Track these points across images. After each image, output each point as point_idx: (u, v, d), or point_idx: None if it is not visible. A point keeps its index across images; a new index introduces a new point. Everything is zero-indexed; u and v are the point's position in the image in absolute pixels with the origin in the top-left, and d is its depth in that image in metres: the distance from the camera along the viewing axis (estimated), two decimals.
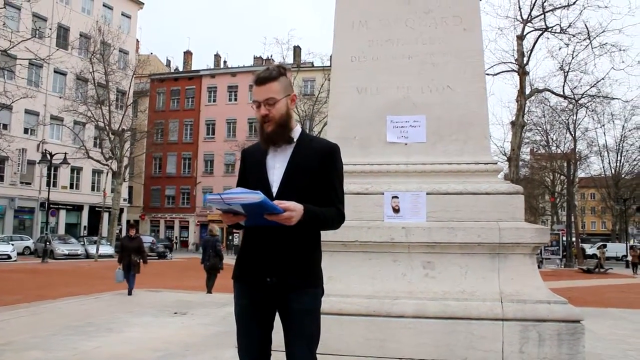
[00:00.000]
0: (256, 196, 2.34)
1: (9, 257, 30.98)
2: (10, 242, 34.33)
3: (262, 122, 2.69)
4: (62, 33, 44.32)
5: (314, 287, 2.71)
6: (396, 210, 5.38)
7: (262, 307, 2.67)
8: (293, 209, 2.45)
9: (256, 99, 2.69)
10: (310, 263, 2.70)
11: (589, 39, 28.55)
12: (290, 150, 2.71)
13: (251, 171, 2.79)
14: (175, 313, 8.91)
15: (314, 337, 2.69)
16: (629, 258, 35.82)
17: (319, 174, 2.66)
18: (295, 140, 2.73)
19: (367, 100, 5.89)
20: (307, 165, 2.67)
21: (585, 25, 29.56)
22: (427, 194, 5.38)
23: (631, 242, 50.87)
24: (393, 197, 5.40)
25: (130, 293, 12.34)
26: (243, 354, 2.72)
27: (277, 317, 2.72)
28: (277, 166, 2.70)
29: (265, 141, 2.73)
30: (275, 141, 2.70)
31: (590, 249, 49.55)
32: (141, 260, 13.00)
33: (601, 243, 53.12)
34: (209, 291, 13.47)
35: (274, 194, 2.63)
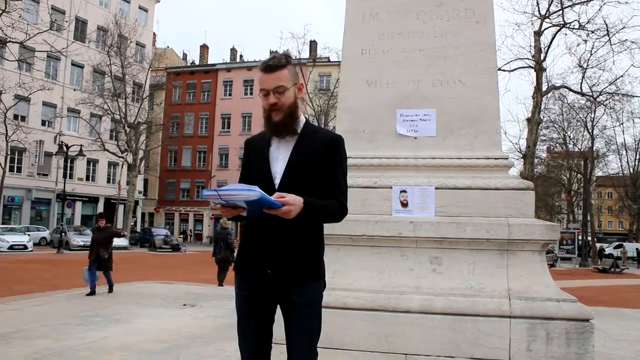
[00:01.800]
0: (253, 193, 2.32)
1: (25, 247, 31.40)
2: (27, 233, 34.78)
3: (270, 111, 2.65)
4: (80, 26, 44.71)
5: (316, 280, 2.68)
6: (404, 204, 5.33)
7: (262, 299, 2.64)
8: (292, 203, 2.41)
9: (265, 87, 2.63)
10: (312, 256, 2.67)
11: (608, 35, 28.13)
12: (293, 141, 2.67)
13: (254, 162, 2.76)
14: (184, 305, 8.95)
15: (315, 330, 2.67)
16: None
17: (322, 166, 2.62)
18: (299, 131, 2.69)
19: (377, 93, 5.83)
20: (310, 156, 2.63)
21: (605, 22, 29.03)
22: (436, 188, 5.32)
23: None
24: (401, 192, 5.35)
25: (110, 290, 10.83)
26: (242, 345, 2.70)
27: (279, 310, 2.70)
28: (280, 157, 2.66)
29: (272, 130, 2.69)
30: (281, 131, 2.66)
31: (607, 249, 48.86)
32: (109, 255, 11.17)
33: (617, 243, 52.49)
34: (220, 284, 13.52)
35: (277, 186, 2.60)
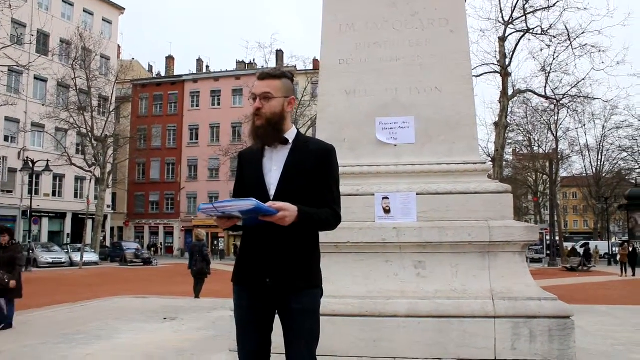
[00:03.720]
0: (249, 203, 2.38)
1: None
2: None
3: (254, 116, 2.72)
4: (43, 39, 43.85)
5: (313, 288, 2.74)
6: (387, 211, 5.42)
7: (261, 308, 2.68)
8: (286, 209, 2.47)
9: (254, 92, 2.72)
10: (308, 263, 2.73)
11: (570, 40, 29.00)
12: (286, 151, 2.73)
13: (248, 174, 2.80)
14: (165, 319, 8.86)
15: (314, 337, 2.71)
16: (618, 257, 32.34)
17: (315, 176, 2.68)
18: (291, 141, 2.75)
19: (355, 102, 5.93)
20: (303, 167, 2.68)
21: (566, 27, 29.83)
22: (418, 194, 5.43)
23: (613, 240, 51.47)
24: (384, 198, 5.44)
25: (4, 325, 8.39)
26: (242, 355, 2.73)
27: (277, 319, 2.74)
28: (273, 168, 2.72)
29: (251, 135, 2.76)
30: (260, 137, 2.72)
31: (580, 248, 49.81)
32: (12, 280, 8.61)
33: (584, 241, 53.70)
34: (197, 296, 13.41)
35: (271, 197, 2.65)
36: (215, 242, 54.25)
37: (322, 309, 4.86)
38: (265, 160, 2.75)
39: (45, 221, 45.84)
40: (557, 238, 42.21)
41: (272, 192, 2.67)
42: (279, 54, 55.48)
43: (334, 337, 4.96)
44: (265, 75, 2.72)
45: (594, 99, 34.66)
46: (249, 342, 2.71)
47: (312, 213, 2.60)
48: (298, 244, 2.66)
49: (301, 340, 2.67)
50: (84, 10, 49.97)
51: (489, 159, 34.65)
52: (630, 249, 30.03)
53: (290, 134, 2.76)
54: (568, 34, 28.79)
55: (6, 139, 42.75)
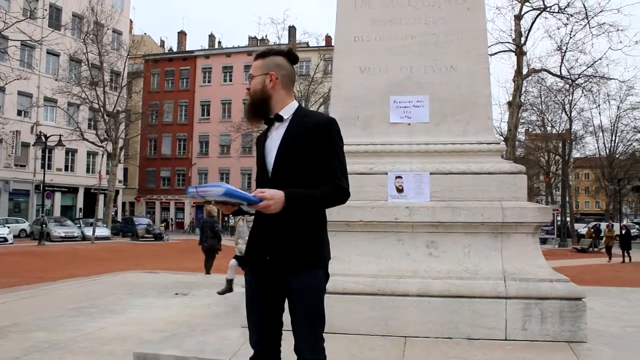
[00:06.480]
0: (219, 189, 2.40)
1: (6, 239, 30.98)
2: (6, 225, 34.30)
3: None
4: (55, 13, 43.79)
5: (313, 267, 2.66)
6: (400, 190, 5.40)
7: (265, 285, 2.69)
8: (269, 197, 2.43)
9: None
10: (310, 242, 2.65)
11: (587, 18, 28.52)
12: (282, 130, 2.70)
13: (257, 156, 2.83)
14: (177, 294, 8.96)
15: (317, 317, 2.65)
16: (603, 240, 28.13)
17: (313, 150, 2.61)
18: (287, 117, 2.72)
19: (370, 80, 5.88)
20: (298, 143, 2.62)
21: (584, 5, 29.42)
22: (431, 173, 5.40)
23: (624, 222, 51.18)
24: (397, 177, 5.42)
25: None
26: (250, 328, 2.76)
27: None
28: (273, 149, 2.69)
29: (244, 114, 2.90)
30: (248, 117, 2.85)
31: (584, 229, 49.64)
32: None
33: (594, 223, 53.44)
34: (208, 272, 13.51)
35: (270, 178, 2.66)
36: (226, 219, 54.55)
37: (334, 287, 4.91)
38: (267, 141, 2.74)
39: (57, 195, 46.27)
40: (567, 219, 42.02)
41: (270, 174, 2.68)
42: (292, 31, 55.04)
43: (345, 315, 5.00)
44: (255, 57, 2.85)
45: (610, 79, 34.33)
46: (256, 316, 2.72)
47: (304, 195, 2.55)
48: (300, 223, 2.60)
49: (303, 318, 2.63)
50: None
51: (502, 138, 34.43)
52: (624, 231, 26.65)
53: (287, 110, 2.72)
54: (586, 12, 28.35)
55: (19, 113, 42.98)
